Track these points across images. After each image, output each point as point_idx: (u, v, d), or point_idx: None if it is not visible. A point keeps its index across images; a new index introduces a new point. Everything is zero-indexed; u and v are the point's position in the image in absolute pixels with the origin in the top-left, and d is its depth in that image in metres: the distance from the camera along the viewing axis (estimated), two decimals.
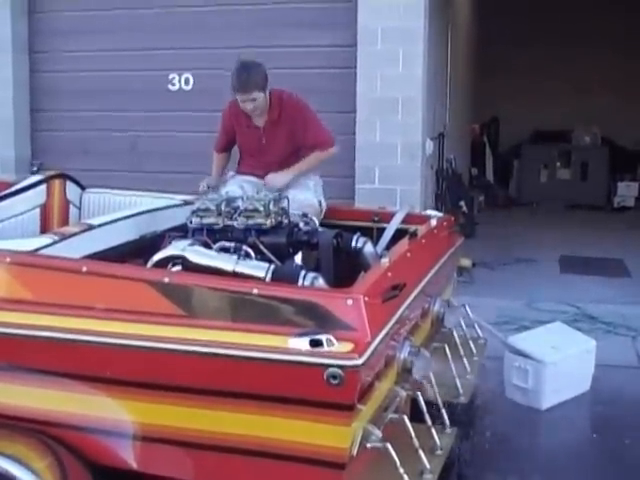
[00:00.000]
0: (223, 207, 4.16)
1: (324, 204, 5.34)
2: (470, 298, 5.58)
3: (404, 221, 4.85)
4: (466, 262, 7.76)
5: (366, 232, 4.73)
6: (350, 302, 2.95)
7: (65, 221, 5.15)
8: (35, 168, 5.56)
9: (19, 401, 3.30)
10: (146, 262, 3.89)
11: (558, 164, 15.00)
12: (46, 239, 3.83)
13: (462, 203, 10.31)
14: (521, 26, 14.59)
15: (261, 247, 4.04)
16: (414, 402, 3.62)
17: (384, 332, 3.02)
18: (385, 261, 3.53)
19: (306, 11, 7.96)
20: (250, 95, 5.11)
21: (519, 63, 14.84)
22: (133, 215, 4.51)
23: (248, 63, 5.20)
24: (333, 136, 5.46)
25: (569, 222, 12.73)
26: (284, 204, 4.28)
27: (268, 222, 4.11)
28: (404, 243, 4.11)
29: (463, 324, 4.86)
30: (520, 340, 5.59)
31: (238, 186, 5.24)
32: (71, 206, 5.29)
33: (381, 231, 4.84)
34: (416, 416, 3.58)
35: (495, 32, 14.25)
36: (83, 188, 5.40)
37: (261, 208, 4.12)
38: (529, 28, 14.65)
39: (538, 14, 14.56)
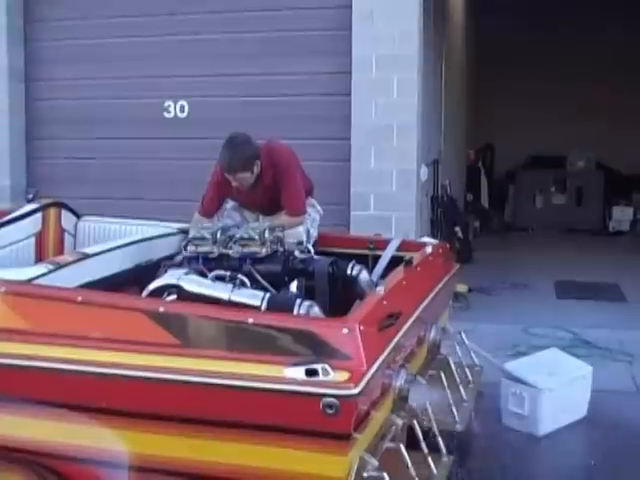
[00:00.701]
0: (218, 235, 4.17)
1: (313, 234, 5.32)
2: (466, 324, 5.59)
3: (399, 248, 4.86)
4: (462, 287, 7.81)
5: (361, 260, 4.72)
6: (346, 331, 2.95)
7: (60, 250, 5.15)
8: (31, 196, 5.55)
9: (13, 431, 3.28)
10: (141, 291, 3.89)
11: (553, 189, 15.05)
12: (41, 268, 3.82)
13: (458, 229, 10.34)
14: (516, 53, 14.69)
15: (256, 275, 4.04)
16: (410, 430, 3.61)
17: (380, 361, 3.02)
18: (381, 289, 3.53)
19: (301, 39, 7.99)
20: (235, 176, 4.99)
21: (514, 89, 14.92)
22: (128, 244, 4.51)
23: (234, 143, 4.99)
24: (302, 206, 5.26)
25: (565, 247, 12.76)
26: (279, 232, 4.29)
27: (263, 250, 4.11)
28: (399, 271, 4.11)
29: (459, 351, 4.86)
30: (516, 366, 5.58)
31: (239, 213, 5.25)
32: (66, 234, 5.29)
33: (376, 258, 4.85)
34: (413, 444, 3.56)
35: (489, 59, 14.35)
36: (78, 216, 5.39)
37: (256, 236, 4.13)
38: (524, 55, 14.75)
39: (533, 41, 14.64)
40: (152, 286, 3.86)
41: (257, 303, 3.64)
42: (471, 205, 14.04)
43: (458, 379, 4.56)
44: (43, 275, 3.72)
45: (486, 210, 14.61)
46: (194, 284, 3.81)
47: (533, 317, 8.03)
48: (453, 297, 5.56)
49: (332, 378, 2.80)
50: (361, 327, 2.97)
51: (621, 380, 6.38)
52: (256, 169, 5.00)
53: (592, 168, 15.03)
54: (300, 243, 4.48)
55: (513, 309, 8.56)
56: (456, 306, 7.12)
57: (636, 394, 6.19)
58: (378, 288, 3.56)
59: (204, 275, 3.96)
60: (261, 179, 5.10)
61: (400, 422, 3.35)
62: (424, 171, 8.18)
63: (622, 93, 14.62)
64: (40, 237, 5.09)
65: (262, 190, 5.14)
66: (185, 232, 4.56)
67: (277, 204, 5.14)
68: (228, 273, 3.93)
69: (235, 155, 4.92)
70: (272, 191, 5.15)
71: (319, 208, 5.54)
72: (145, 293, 3.85)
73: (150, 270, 4.29)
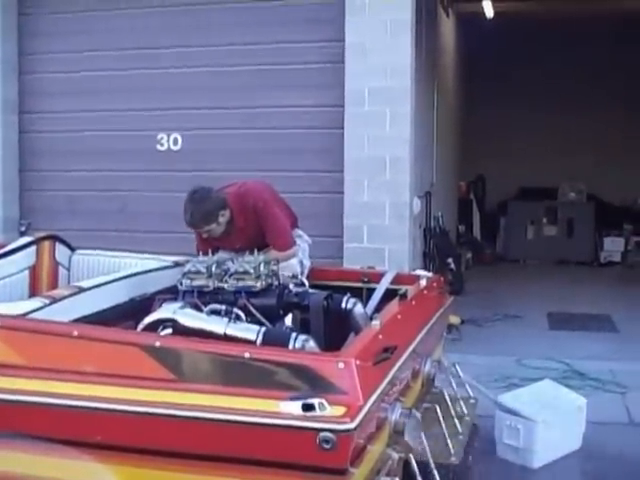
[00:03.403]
0: (213, 269, 4.18)
1: (307, 264, 5.34)
2: (459, 355, 5.60)
3: (394, 281, 4.87)
4: (455, 319, 7.81)
5: (356, 293, 4.73)
6: (342, 365, 2.96)
7: (54, 283, 5.14)
8: (23, 228, 5.55)
9: (6, 467, 3.28)
10: (137, 325, 3.89)
11: (544, 220, 15.10)
12: (36, 302, 3.82)
13: (450, 260, 10.36)
14: (507, 85, 14.78)
15: (252, 309, 4.05)
16: (406, 464, 3.60)
17: (376, 395, 3.02)
18: (376, 323, 3.54)
19: (294, 72, 8.03)
20: (201, 230, 5.01)
21: (504, 122, 15.02)
22: (123, 277, 4.50)
23: (193, 199, 4.95)
24: (290, 239, 5.28)
25: (556, 278, 12.79)
26: (274, 266, 4.30)
27: (258, 284, 4.13)
28: (394, 304, 4.12)
29: (454, 383, 4.86)
30: (510, 398, 5.58)
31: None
32: (60, 268, 5.28)
33: (371, 291, 4.86)
34: (408, 478, 3.55)
35: (480, 93, 14.44)
36: (73, 249, 5.39)
37: (251, 270, 4.14)
38: (515, 87, 14.84)
39: (524, 74, 14.74)
40: (147, 320, 3.86)
41: (252, 337, 3.65)
42: (463, 237, 14.07)
43: (453, 412, 4.56)
44: (38, 309, 3.72)
45: (478, 241, 14.64)
46: (189, 318, 3.82)
47: (526, 348, 8.04)
48: (446, 329, 5.57)
49: (329, 413, 2.80)
50: (357, 361, 2.98)
51: (614, 411, 6.39)
52: (222, 219, 5.00)
53: (583, 199, 15.10)
54: (295, 276, 4.49)
55: (505, 340, 8.57)
56: (448, 338, 7.11)
57: (629, 425, 6.19)
58: (373, 322, 3.57)
59: (199, 309, 3.97)
60: (234, 225, 5.11)
61: (396, 456, 3.35)
62: (417, 203, 8.21)
63: (613, 125, 14.73)
64: (34, 270, 5.08)
65: (237, 234, 5.14)
66: (180, 265, 4.56)
67: (257, 244, 5.01)
68: (223, 307, 3.93)
69: (195, 211, 4.91)
70: (248, 233, 5.16)
71: (307, 238, 5.55)
72: (140, 327, 3.86)
73: (145, 304, 4.30)
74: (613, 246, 14.65)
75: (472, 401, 5.08)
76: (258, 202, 5.14)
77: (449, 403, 4.58)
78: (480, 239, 14.83)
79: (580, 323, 9.47)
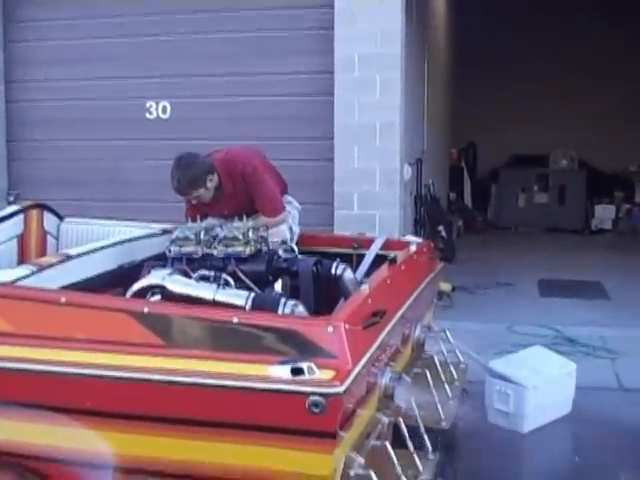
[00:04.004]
0: (202, 236, 4.16)
1: (296, 230, 5.32)
2: (450, 322, 5.59)
3: (383, 247, 4.86)
4: (446, 286, 7.81)
5: (346, 259, 4.72)
6: (331, 329, 2.95)
7: (43, 252, 5.12)
8: (12, 198, 5.52)
9: None
10: (125, 292, 3.88)
11: (536, 188, 15.08)
12: (24, 270, 3.80)
13: (441, 228, 10.34)
14: (498, 52, 14.70)
15: (241, 275, 4.03)
16: (396, 428, 3.61)
17: (365, 359, 3.02)
18: (365, 288, 3.53)
19: (283, 39, 7.98)
20: (189, 196, 4.96)
21: (496, 89, 14.94)
22: (111, 245, 4.49)
23: (179, 165, 4.89)
24: (279, 205, 5.24)
25: (547, 245, 12.80)
26: (263, 232, 4.28)
27: (247, 250, 4.11)
28: (384, 269, 4.11)
29: (444, 349, 4.87)
30: (501, 364, 5.59)
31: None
32: (49, 236, 5.26)
33: (361, 257, 4.85)
34: (398, 442, 3.56)
35: (472, 59, 14.35)
36: (61, 218, 5.37)
37: (240, 236, 4.13)
38: (506, 54, 14.76)
39: (515, 41, 14.66)
40: (136, 287, 3.85)
41: (241, 303, 3.64)
42: (454, 204, 14.06)
43: (443, 377, 4.57)
44: (26, 277, 3.70)
45: (469, 209, 14.63)
46: (178, 284, 3.81)
47: (517, 315, 8.05)
48: (437, 296, 5.57)
49: (318, 377, 2.80)
50: (346, 325, 2.98)
51: (604, 377, 6.40)
52: (210, 184, 4.94)
53: (574, 167, 15.06)
54: (284, 242, 4.48)
55: (497, 307, 8.57)
56: (440, 305, 7.12)
57: (619, 391, 6.22)
58: (362, 287, 3.56)
59: (188, 275, 3.96)
60: (222, 190, 5.06)
61: (386, 420, 3.36)
62: (407, 170, 8.18)
63: (604, 92, 14.66)
64: (22, 239, 5.06)
65: (226, 200, 5.09)
66: (168, 232, 4.54)
67: (245, 210, 4.97)
68: (212, 273, 3.93)
69: (182, 177, 4.85)
70: (237, 199, 5.11)
71: (297, 204, 5.52)
72: (129, 294, 3.84)
73: (134, 271, 4.28)
74: (604, 213, 14.65)
75: (462, 366, 5.10)
76: (247, 168, 5.10)
77: (439, 368, 4.59)
78: (471, 207, 14.82)
79: (571, 290, 9.47)
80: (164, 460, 3.05)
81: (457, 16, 13.86)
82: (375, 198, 7.59)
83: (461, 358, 5.14)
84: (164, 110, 8.41)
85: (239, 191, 5.10)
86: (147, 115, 8.45)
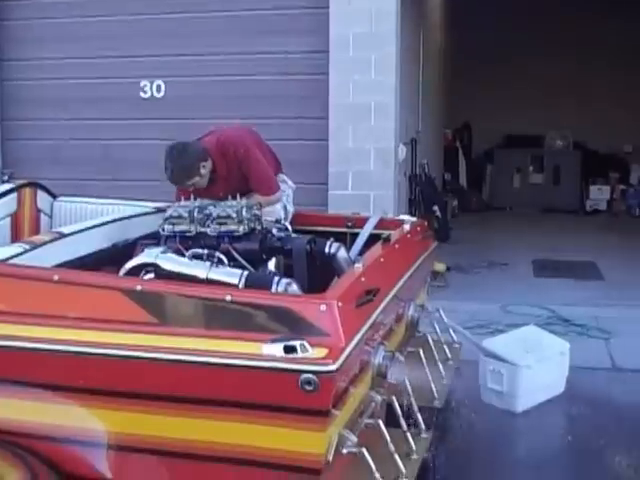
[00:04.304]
0: (195, 214, 4.14)
1: (290, 209, 5.31)
2: (444, 302, 5.59)
3: (377, 226, 4.86)
4: (440, 266, 7.82)
5: (340, 238, 4.71)
6: (324, 307, 2.95)
7: (36, 230, 5.10)
8: (6, 177, 5.50)
9: None
10: (118, 270, 3.87)
11: (531, 168, 15.10)
12: (16, 248, 3.78)
13: (436, 208, 10.34)
14: (492, 34, 14.64)
15: (234, 254, 4.02)
16: (389, 407, 3.61)
17: (358, 337, 3.02)
18: (358, 266, 3.53)
19: (278, 18, 7.94)
20: (184, 185, 4.89)
21: (490, 69, 14.90)
22: (105, 223, 4.48)
23: (172, 155, 4.82)
24: (274, 184, 5.21)
25: (542, 226, 12.81)
26: (257, 210, 4.27)
27: (241, 229, 4.10)
28: (377, 248, 4.11)
29: (437, 328, 4.87)
30: (494, 344, 5.60)
31: None
32: (42, 215, 5.24)
33: (354, 237, 4.84)
34: (391, 421, 3.57)
35: (466, 39, 14.29)
36: (54, 196, 5.35)
37: (234, 215, 4.11)
38: (500, 36, 14.69)
39: (508, 22, 14.60)
40: (129, 265, 3.84)
41: (235, 281, 3.63)
42: (449, 184, 14.05)
43: (437, 356, 4.58)
44: (19, 255, 3.68)
45: (464, 189, 14.63)
46: (171, 263, 3.79)
47: (511, 295, 8.07)
48: (431, 276, 5.57)
49: (310, 354, 2.80)
50: (339, 304, 2.97)
51: (598, 357, 6.43)
52: (204, 170, 4.91)
53: (569, 147, 15.08)
54: (278, 221, 4.47)
55: (491, 287, 8.60)
56: (434, 285, 7.12)
57: (612, 370, 6.24)
58: (356, 265, 3.56)
59: (181, 254, 3.94)
60: (216, 173, 5.03)
61: (379, 398, 3.36)
62: (402, 150, 8.17)
63: (599, 73, 14.64)
64: (15, 218, 5.04)
65: (221, 183, 5.04)
66: (162, 211, 4.53)
67: (239, 191, 4.86)
68: (205, 251, 3.91)
69: (175, 167, 4.80)
70: (231, 181, 5.07)
71: (291, 183, 5.50)
72: (122, 272, 3.83)
73: (127, 249, 4.27)
74: (599, 194, 14.65)
75: (456, 346, 5.11)
76: (239, 149, 5.07)
77: (433, 348, 4.60)
78: (466, 187, 14.81)
79: (565, 270, 9.50)
80: (157, 438, 3.04)
81: None
82: (369, 178, 7.58)
83: (455, 337, 5.15)
84: (158, 89, 8.39)
85: (233, 173, 5.08)
86: (141, 94, 8.42)
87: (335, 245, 4.44)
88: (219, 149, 5.04)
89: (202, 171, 4.89)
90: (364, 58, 7.50)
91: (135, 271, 3.79)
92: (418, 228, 4.98)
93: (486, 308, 7.53)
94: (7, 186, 5.11)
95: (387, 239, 4.23)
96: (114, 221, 4.57)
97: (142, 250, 4.01)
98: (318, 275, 4.18)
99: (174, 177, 4.85)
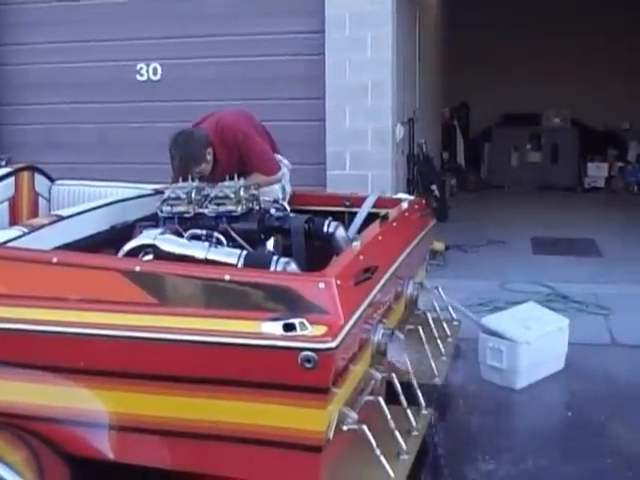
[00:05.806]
0: (193, 195, 4.14)
1: (288, 189, 5.31)
2: (443, 280, 5.61)
3: (375, 205, 4.86)
4: (439, 245, 7.83)
5: (338, 217, 4.72)
6: (322, 285, 2.95)
7: (34, 213, 5.10)
8: (3, 162, 5.50)
9: None
10: (117, 252, 3.88)
11: (528, 147, 15.08)
12: (15, 231, 3.78)
13: (434, 187, 10.35)
14: (489, 11, 14.60)
15: (232, 234, 4.03)
16: (389, 384, 3.62)
17: (357, 315, 3.03)
18: (357, 244, 3.53)
19: None
20: (191, 173, 4.76)
21: (488, 47, 14.85)
22: (103, 205, 4.47)
23: (178, 144, 4.82)
24: (276, 164, 5.22)
25: (540, 204, 12.82)
26: (254, 190, 4.28)
27: (239, 209, 4.10)
28: (375, 226, 4.11)
29: (437, 306, 4.89)
30: (494, 321, 5.62)
31: None
32: (40, 198, 5.24)
33: (353, 216, 4.84)
34: (392, 398, 3.58)
35: (464, 17, 14.24)
36: (52, 180, 5.34)
37: (232, 195, 4.11)
38: (497, 13, 14.66)
39: (506, 0, 14.56)
40: (128, 246, 3.85)
41: (233, 261, 3.64)
42: (447, 163, 14.04)
43: (436, 334, 4.59)
44: (17, 238, 3.68)
45: (462, 168, 14.62)
46: (170, 244, 3.80)
47: (510, 273, 8.08)
48: (430, 254, 5.57)
49: (310, 332, 2.80)
50: (338, 281, 2.97)
51: (597, 333, 6.45)
52: (209, 156, 4.92)
53: (567, 125, 15.04)
54: (276, 201, 4.47)
55: (490, 265, 8.60)
56: (433, 263, 7.14)
57: (612, 346, 6.27)
58: (354, 243, 3.57)
59: (180, 235, 3.95)
60: (216, 159, 5.02)
61: (379, 376, 3.37)
62: (399, 129, 8.16)
63: (597, 50, 14.59)
64: (14, 202, 5.03)
65: (219, 168, 5.03)
66: (160, 193, 4.53)
67: (238, 175, 4.82)
68: (204, 232, 3.92)
69: (183, 155, 4.80)
70: (231, 167, 4.99)
71: (287, 162, 5.50)
72: (121, 254, 3.84)
73: (126, 231, 4.28)
74: (597, 172, 14.64)
75: (455, 323, 5.12)
76: (237, 135, 5.08)
77: (432, 325, 4.61)
78: (464, 166, 14.80)
79: (564, 247, 9.51)
80: (157, 418, 3.05)
81: None
82: (367, 158, 7.58)
83: (454, 315, 5.17)
84: (155, 72, 8.38)
85: (233, 159, 5.08)
86: (138, 77, 8.42)
87: (333, 224, 4.43)
88: (218, 136, 5.04)
89: (208, 157, 4.91)
90: (360, 37, 7.49)
91: (134, 253, 3.79)
92: (416, 206, 4.99)
93: (485, 286, 7.55)
94: (5, 170, 5.10)
95: (385, 217, 4.24)
96: (112, 203, 4.56)
97: (140, 232, 4.01)
98: (316, 254, 4.18)
99: (182, 165, 4.81)
